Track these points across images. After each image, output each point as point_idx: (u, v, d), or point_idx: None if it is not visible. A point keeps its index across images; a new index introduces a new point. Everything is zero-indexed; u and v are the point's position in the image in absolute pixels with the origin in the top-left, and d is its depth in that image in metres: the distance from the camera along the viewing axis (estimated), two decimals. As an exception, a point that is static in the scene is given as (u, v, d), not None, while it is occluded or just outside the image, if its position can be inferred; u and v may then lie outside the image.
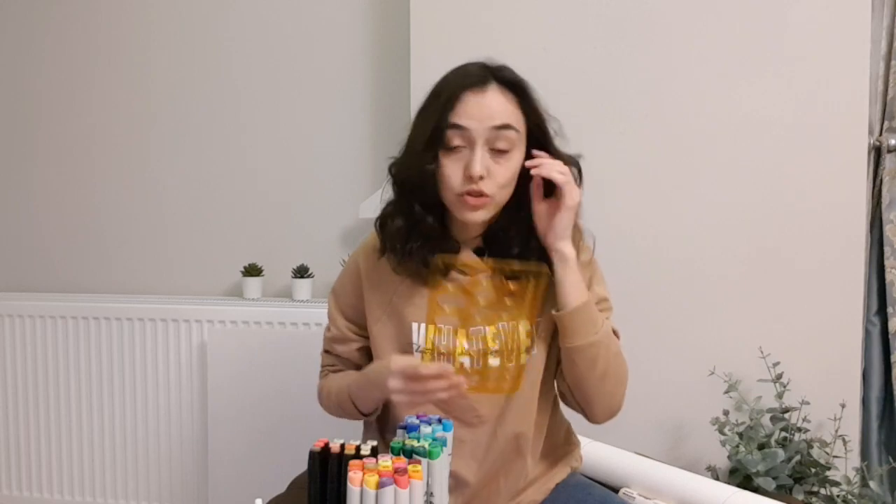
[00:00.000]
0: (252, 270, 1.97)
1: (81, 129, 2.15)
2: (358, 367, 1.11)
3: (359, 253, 1.12)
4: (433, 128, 0.97)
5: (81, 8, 2.12)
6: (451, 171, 0.97)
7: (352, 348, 1.13)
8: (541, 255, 1.01)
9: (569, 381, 1.02)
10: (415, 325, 1.03)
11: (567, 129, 1.04)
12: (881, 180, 1.65)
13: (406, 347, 1.04)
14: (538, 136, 1.00)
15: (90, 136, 2.14)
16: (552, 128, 1.02)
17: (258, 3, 2.03)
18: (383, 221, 1.05)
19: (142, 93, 2.10)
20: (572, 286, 0.98)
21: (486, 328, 1.02)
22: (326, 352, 1.17)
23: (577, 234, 1.03)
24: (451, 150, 0.97)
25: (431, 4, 1.71)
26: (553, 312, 1.00)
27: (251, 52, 2.04)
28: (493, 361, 1.02)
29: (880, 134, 1.65)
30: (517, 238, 1.02)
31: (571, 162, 1.01)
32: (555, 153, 1.00)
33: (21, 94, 2.18)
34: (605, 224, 1.62)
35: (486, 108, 0.96)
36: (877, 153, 1.66)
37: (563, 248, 0.98)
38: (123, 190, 2.13)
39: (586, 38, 1.64)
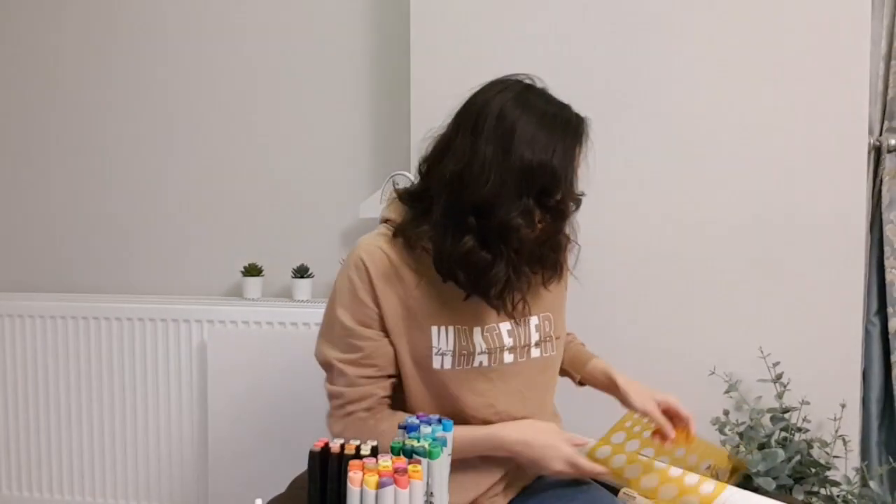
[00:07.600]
0: (252, 270, 1.97)
1: (81, 129, 2.15)
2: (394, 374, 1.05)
3: (358, 263, 1.02)
4: (548, 185, 0.95)
5: (80, 10, 2.12)
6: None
7: (386, 348, 1.03)
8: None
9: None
10: (434, 329, 1.02)
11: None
12: (881, 180, 1.65)
13: (425, 351, 1.02)
14: None
15: (90, 136, 2.14)
16: None
17: (258, 3, 2.03)
18: (469, 253, 0.95)
19: (141, 93, 2.10)
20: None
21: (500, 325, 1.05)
22: (344, 388, 1.02)
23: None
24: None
25: (431, 4, 1.71)
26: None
27: (251, 53, 2.03)
28: (535, 352, 1.08)
29: (880, 134, 1.64)
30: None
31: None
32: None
33: (22, 94, 2.18)
34: (605, 224, 1.64)
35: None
36: (877, 153, 1.66)
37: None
38: (123, 190, 2.13)
39: (587, 40, 1.64)
